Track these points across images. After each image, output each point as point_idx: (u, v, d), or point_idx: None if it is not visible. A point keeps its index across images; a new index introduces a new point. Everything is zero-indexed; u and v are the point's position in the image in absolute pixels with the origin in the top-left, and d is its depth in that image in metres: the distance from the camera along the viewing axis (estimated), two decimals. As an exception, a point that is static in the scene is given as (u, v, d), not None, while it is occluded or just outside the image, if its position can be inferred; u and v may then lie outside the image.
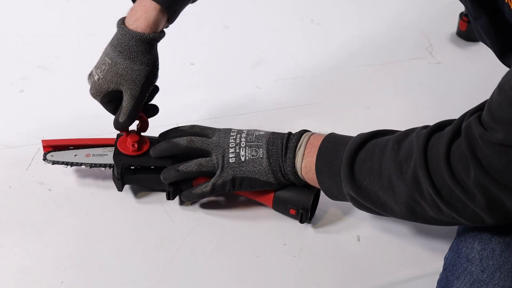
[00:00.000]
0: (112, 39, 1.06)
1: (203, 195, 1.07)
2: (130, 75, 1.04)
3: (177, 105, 1.33)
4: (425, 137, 0.91)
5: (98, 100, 1.07)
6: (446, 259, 1.00)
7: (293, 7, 1.66)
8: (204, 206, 1.13)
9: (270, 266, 1.05)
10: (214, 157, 1.06)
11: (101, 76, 1.05)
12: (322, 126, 1.08)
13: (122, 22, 1.06)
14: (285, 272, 1.05)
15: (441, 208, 0.91)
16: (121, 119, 1.06)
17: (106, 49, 1.06)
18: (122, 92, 1.05)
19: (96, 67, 1.06)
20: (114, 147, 1.10)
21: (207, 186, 1.06)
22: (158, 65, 1.08)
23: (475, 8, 1.01)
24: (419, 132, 0.94)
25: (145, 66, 1.05)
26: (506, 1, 0.97)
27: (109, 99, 1.07)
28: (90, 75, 1.07)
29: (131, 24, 1.04)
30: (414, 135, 0.94)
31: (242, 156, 1.05)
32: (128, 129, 1.09)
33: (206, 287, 1.02)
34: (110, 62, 1.04)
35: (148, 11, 1.04)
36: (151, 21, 1.04)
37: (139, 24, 1.04)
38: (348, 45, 1.54)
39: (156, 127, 1.25)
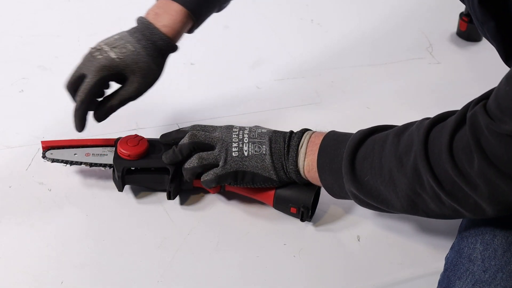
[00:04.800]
0: (133, 32, 1.09)
1: (205, 182, 1.07)
2: (146, 70, 1.09)
3: (177, 105, 1.33)
4: (426, 128, 0.91)
5: (101, 74, 1.07)
6: (447, 259, 1.00)
7: (293, 7, 1.66)
8: (204, 206, 1.13)
9: (270, 266, 1.05)
10: (216, 150, 1.06)
11: (121, 57, 1.07)
12: (322, 126, 1.08)
13: (146, 19, 1.09)
14: (285, 272, 1.05)
15: (442, 200, 0.91)
16: (110, 104, 1.10)
17: (124, 36, 1.09)
18: (126, 79, 1.08)
19: (111, 45, 1.08)
20: (114, 150, 1.10)
21: (209, 174, 1.06)
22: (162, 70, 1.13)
23: (483, 13, 1.01)
24: (419, 124, 0.94)
25: (159, 70, 1.11)
26: None
27: (110, 79, 1.09)
28: (101, 51, 1.07)
29: (159, 27, 1.09)
30: (415, 127, 0.94)
31: (245, 151, 1.05)
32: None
33: (206, 287, 1.02)
34: (133, 49, 1.07)
35: (176, 18, 1.10)
36: (176, 31, 1.11)
37: (167, 31, 1.09)
38: (348, 45, 1.54)
39: (156, 127, 1.25)
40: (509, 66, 1.09)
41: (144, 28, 1.09)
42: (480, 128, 0.84)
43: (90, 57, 1.08)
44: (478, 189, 0.87)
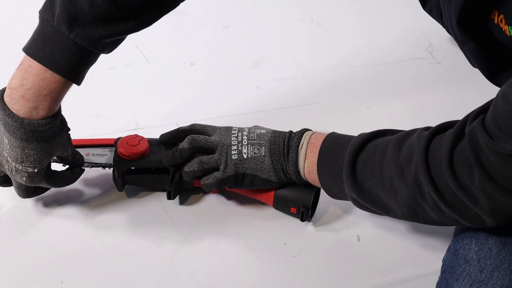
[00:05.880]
0: (12, 130, 0.95)
1: (206, 186, 1.07)
2: (58, 147, 1.00)
3: (177, 105, 1.33)
4: (426, 139, 0.91)
5: (42, 183, 1.02)
6: (444, 261, 1.00)
7: (293, 7, 1.66)
8: (204, 206, 1.13)
9: (270, 266, 1.05)
10: (217, 154, 1.06)
11: (37, 165, 0.99)
12: (322, 126, 1.08)
13: (15, 115, 0.95)
14: (285, 272, 1.05)
15: (442, 210, 0.91)
16: (72, 160, 1.05)
17: (12, 142, 0.97)
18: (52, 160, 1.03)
19: (17, 161, 0.98)
20: (114, 150, 1.10)
21: (209, 178, 1.06)
22: (63, 116, 1.01)
23: (463, 34, 1.01)
24: (420, 134, 0.93)
25: (61, 131, 1.00)
26: (496, 22, 0.97)
27: (50, 173, 1.03)
28: (18, 171, 0.99)
29: (29, 113, 0.95)
30: (415, 137, 0.93)
31: (245, 153, 1.05)
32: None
33: (206, 287, 1.02)
34: (35, 152, 0.97)
35: (52, 98, 0.95)
36: (55, 106, 0.97)
37: (43, 114, 0.96)
38: (348, 45, 1.54)
39: (156, 127, 1.25)
40: (492, 83, 1.09)
41: (19, 126, 0.95)
42: (479, 145, 0.84)
43: (14, 177, 1.01)
44: (479, 203, 0.87)
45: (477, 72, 1.19)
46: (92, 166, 1.11)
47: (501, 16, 0.96)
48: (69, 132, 1.03)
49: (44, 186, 1.05)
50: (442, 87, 1.44)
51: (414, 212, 0.95)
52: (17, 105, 0.95)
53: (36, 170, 0.99)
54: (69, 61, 0.94)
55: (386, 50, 1.54)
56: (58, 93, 0.96)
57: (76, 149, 1.11)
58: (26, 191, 1.05)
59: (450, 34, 1.08)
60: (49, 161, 1.01)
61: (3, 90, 0.98)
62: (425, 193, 0.91)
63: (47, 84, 0.95)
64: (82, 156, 1.09)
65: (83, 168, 1.09)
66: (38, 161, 0.99)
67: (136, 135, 1.11)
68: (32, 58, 0.95)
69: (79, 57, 0.95)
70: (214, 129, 1.09)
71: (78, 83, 0.98)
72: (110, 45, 0.97)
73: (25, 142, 0.97)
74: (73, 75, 0.96)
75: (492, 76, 1.09)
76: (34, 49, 0.95)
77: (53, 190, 1.12)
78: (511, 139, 0.80)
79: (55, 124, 0.98)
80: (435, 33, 1.57)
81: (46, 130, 0.97)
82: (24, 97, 0.95)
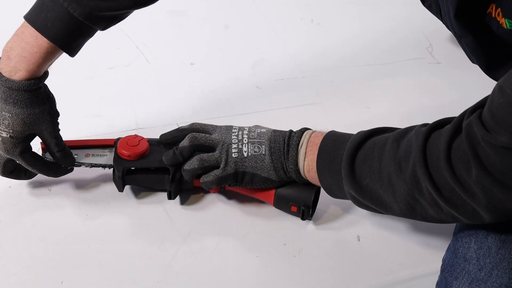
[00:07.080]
0: None
1: (205, 184, 1.07)
2: (36, 122, 1.02)
3: (177, 105, 1.33)
4: (424, 135, 0.91)
5: (15, 155, 1.03)
6: (444, 260, 1.00)
7: (293, 7, 1.66)
8: (204, 206, 1.13)
9: (270, 266, 1.05)
10: (217, 152, 1.06)
11: (11, 131, 1.00)
12: (322, 126, 1.08)
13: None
14: (285, 272, 1.05)
15: (440, 206, 0.91)
16: (58, 155, 1.06)
17: None
18: (35, 135, 1.04)
19: None
20: (114, 150, 1.10)
21: (209, 176, 1.06)
22: (53, 97, 1.05)
23: (460, 28, 1.02)
24: (418, 130, 0.94)
25: (43, 105, 1.02)
26: (493, 15, 0.97)
27: (25, 148, 1.04)
28: None
29: (9, 72, 0.98)
30: (413, 133, 0.94)
31: (245, 152, 1.05)
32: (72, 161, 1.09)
33: (206, 287, 1.02)
34: (9, 115, 0.99)
35: (37, 60, 0.98)
36: (34, 69, 0.99)
37: (21, 75, 0.98)
38: (348, 45, 1.54)
39: (156, 127, 1.25)
40: (490, 77, 1.10)
41: (0, 84, 0.98)
42: (476, 138, 0.84)
43: None
44: (476, 197, 0.87)
45: (476, 72, 1.19)
46: (92, 167, 1.11)
47: (499, 9, 0.97)
48: (56, 118, 1.04)
49: (20, 162, 1.04)
50: (442, 87, 1.44)
51: (412, 209, 0.95)
52: (2, 64, 0.99)
53: (8, 136, 1.01)
54: (60, 28, 0.98)
55: (386, 50, 1.54)
56: (39, 58, 0.99)
57: (76, 150, 1.11)
58: (4, 166, 1.06)
59: (449, 29, 1.08)
60: (24, 131, 1.01)
61: None
62: (423, 188, 0.91)
63: (30, 47, 0.98)
64: (73, 157, 1.09)
65: (73, 167, 1.10)
66: (12, 126, 1.00)
67: (136, 135, 1.11)
68: (27, 22, 0.99)
69: (71, 27, 0.98)
70: (214, 127, 1.09)
71: (71, 54, 1.01)
72: (103, 21, 1.00)
73: (3, 102, 1.00)
74: (63, 43, 0.99)
75: (490, 70, 1.09)
76: (31, 15, 1.00)
77: (53, 190, 1.12)
78: (507, 132, 0.80)
79: (35, 91, 1.00)
80: (435, 33, 1.58)
81: (22, 93, 0.99)
82: (9, 57, 0.99)
